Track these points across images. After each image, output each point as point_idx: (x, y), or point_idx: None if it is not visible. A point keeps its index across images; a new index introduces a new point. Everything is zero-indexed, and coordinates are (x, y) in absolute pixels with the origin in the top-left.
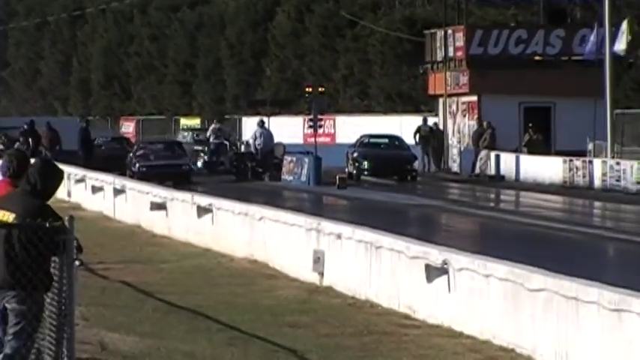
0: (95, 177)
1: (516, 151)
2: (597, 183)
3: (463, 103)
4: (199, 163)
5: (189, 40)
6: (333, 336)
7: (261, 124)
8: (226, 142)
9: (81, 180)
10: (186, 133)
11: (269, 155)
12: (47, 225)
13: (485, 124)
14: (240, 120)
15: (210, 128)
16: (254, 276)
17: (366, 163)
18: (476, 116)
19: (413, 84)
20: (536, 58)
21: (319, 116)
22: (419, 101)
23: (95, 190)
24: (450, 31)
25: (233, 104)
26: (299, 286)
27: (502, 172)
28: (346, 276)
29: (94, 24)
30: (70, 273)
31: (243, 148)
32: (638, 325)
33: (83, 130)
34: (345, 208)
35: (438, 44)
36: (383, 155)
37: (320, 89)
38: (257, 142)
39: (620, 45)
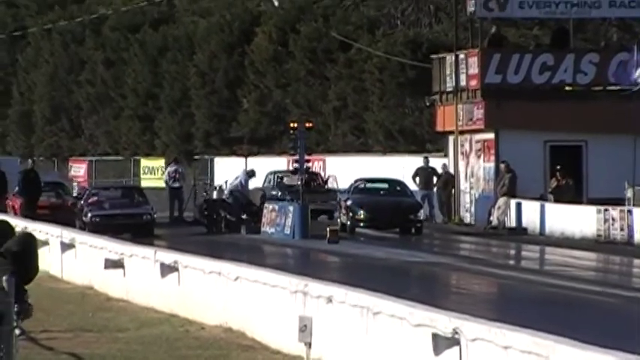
0: (39, 229)
1: (541, 198)
2: (638, 237)
3: (477, 141)
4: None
5: (151, 67)
6: None
7: (253, 173)
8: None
9: None
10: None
11: (248, 204)
12: None
13: (503, 166)
14: (212, 161)
15: (166, 171)
16: (228, 347)
17: (361, 212)
18: (492, 157)
19: (417, 118)
20: (566, 88)
21: (306, 157)
22: (424, 139)
23: (39, 244)
24: (462, 56)
25: (203, 142)
26: None
27: (524, 223)
28: (338, 347)
29: (37, 46)
30: (9, 343)
31: (215, 194)
32: None
33: (27, 172)
34: (336, 266)
35: (448, 71)
36: (382, 203)
37: (307, 124)
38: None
39: None
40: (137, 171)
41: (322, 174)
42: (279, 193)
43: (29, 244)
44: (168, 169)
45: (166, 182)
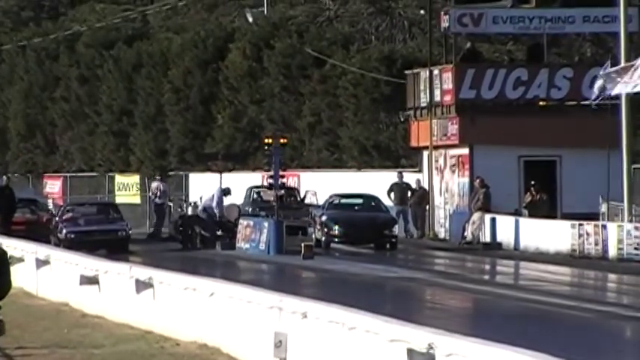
0: (14, 245)
1: (515, 213)
2: (612, 252)
3: (452, 156)
4: None
5: (125, 83)
6: None
7: (228, 191)
8: (170, 204)
9: None
10: None
11: (223, 220)
12: None
13: (477, 181)
14: (186, 177)
15: (150, 188)
16: None
17: (336, 228)
18: (467, 172)
19: (392, 134)
20: (540, 103)
21: (281, 172)
22: (399, 154)
23: (14, 261)
24: (436, 72)
25: (178, 158)
26: None
27: (498, 238)
28: None
29: (11, 63)
30: None
31: (190, 211)
32: None
33: (2, 189)
34: (312, 281)
35: (422, 87)
36: (357, 219)
37: (281, 140)
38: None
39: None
40: (112, 187)
41: (299, 189)
42: (251, 209)
43: (1, 260)
44: (152, 185)
45: (150, 198)
